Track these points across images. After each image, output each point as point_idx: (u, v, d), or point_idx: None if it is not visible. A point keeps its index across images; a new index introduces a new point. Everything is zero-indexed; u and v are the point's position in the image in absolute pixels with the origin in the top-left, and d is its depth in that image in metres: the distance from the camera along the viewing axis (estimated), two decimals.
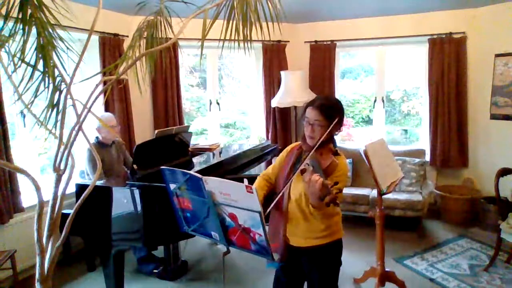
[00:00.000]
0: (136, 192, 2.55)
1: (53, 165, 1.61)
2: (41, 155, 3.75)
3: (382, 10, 4.56)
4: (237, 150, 4.01)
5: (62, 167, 1.62)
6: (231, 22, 1.73)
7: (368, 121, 6.08)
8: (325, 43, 5.05)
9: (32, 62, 1.52)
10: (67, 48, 1.64)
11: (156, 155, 3.26)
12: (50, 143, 3.68)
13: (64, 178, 1.64)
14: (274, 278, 2.11)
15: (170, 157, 3.46)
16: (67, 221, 1.65)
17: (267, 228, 1.72)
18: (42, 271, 1.59)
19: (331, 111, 1.82)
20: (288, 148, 2.06)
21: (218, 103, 5.19)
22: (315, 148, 1.75)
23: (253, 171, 3.52)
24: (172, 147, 3.59)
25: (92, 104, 1.63)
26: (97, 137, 3.40)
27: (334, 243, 1.96)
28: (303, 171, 1.73)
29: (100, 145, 3.37)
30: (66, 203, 1.79)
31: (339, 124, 1.88)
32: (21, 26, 1.48)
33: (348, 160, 5.01)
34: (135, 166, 3.03)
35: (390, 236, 3.76)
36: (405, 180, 4.30)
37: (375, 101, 5.18)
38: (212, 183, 1.69)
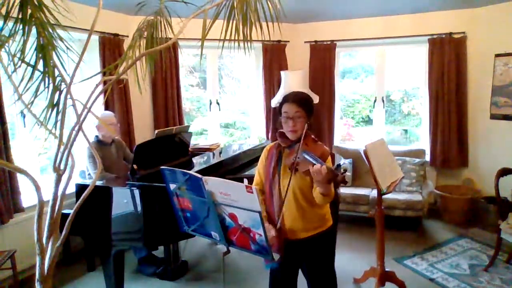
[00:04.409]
0: (136, 192, 2.55)
1: (53, 165, 1.61)
2: (41, 155, 3.74)
3: (382, 10, 4.56)
4: (237, 150, 4.01)
5: (62, 167, 1.62)
6: (231, 22, 1.73)
7: (368, 121, 6.08)
8: (325, 43, 5.05)
9: (32, 62, 1.52)
10: (67, 48, 1.63)
11: (156, 155, 3.26)
12: (50, 143, 3.68)
13: (64, 178, 1.64)
14: (270, 277, 2.14)
15: (170, 157, 3.46)
16: (67, 221, 1.65)
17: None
18: (42, 271, 1.59)
19: (307, 102, 1.95)
20: (265, 151, 2.11)
21: (218, 103, 5.19)
22: (302, 140, 1.84)
23: (253, 171, 3.51)
24: (172, 147, 3.59)
25: (92, 104, 1.63)
26: (96, 136, 3.40)
27: (328, 230, 2.05)
28: (297, 166, 1.78)
29: (100, 144, 3.37)
30: (66, 203, 1.79)
31: (312, 114, 1.99)
32: (21, 26, 1.47)
33: (348, 160, 5.01)
34: (135, 166, 3.03)
35: (390, 236, 3.76)
36: (405, 180, 4.30)
37: (375, 101, 5.18)
38: (212, 183, 1.69)
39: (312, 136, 1.97)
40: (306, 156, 1.75)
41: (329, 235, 2.08)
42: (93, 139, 3.38)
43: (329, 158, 1.90)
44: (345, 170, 1.65)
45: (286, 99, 1.96)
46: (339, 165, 1.67)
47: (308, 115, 1.92)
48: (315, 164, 1.68)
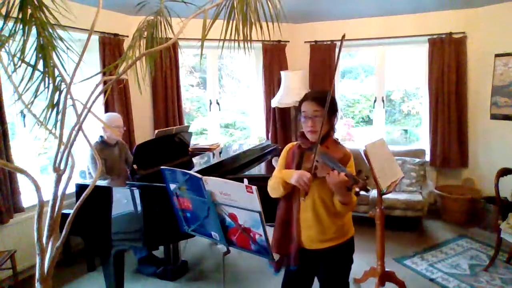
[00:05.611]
0: (136, 192, 2.55)
1: (53, 165, 1.61)
2: (41, 155, 3.75)
3: (382, 10, 4.56)
4: (237, 150, 4.01)
5: (62, 167, 1.62)
6: (231, 22, 1.73)
7: (368, 121, 6.07)
8: (325, 43, 5.05)
9: (32, 62, 1.52)
10: (67, 48, 1.63)
11: (156, 155, 3.26)
12: (50, 143, 3.68)
13: (64, 178, 1.64)
14: (283, 280, 2.03)
15: (170, 157, 3.45)
16: (67, 221, 1.65)
17: (270, 231, 1.69)
18: (42, 271, 1.59)
19: (326, 101, 1.78)
20: (287, 148, 1.98)
21: (218, 103, 5.19)
22: (320, 142, 1.71)
23: (253, 171, 3.52)
24: (172, 147, 3.59)
25: (92, 104, 1.63)
26: (101, 136, 3.41)
27: (347, 242, 1.93)
28: (315, 171, 1.68)
29: (104, 144, 3.39)
30: (66, 203, 1.79)
31: (336, 113, 1.87)
32: (21, 26, 1.47)
33: None
34: (135, 166, 3.03)
35: (390, 236, 3.76)
36: (405, 180, 4.30)
37: (375, 101, 5.18)
38: (212, 183, 1.69)
39: (334, 138, 1.86)
40: (325, 160, 1.64)
41: (347, 247, 1.94)
42: (98, 139, 3.40)
43: (351, 161, 1.79)
44: (367, 177, 1.52)
45: (305, 97, 1.86)
46: (360, 171, 1.54)
47: (330, 115, 1.79)
48: (333, 170, 1.58)
